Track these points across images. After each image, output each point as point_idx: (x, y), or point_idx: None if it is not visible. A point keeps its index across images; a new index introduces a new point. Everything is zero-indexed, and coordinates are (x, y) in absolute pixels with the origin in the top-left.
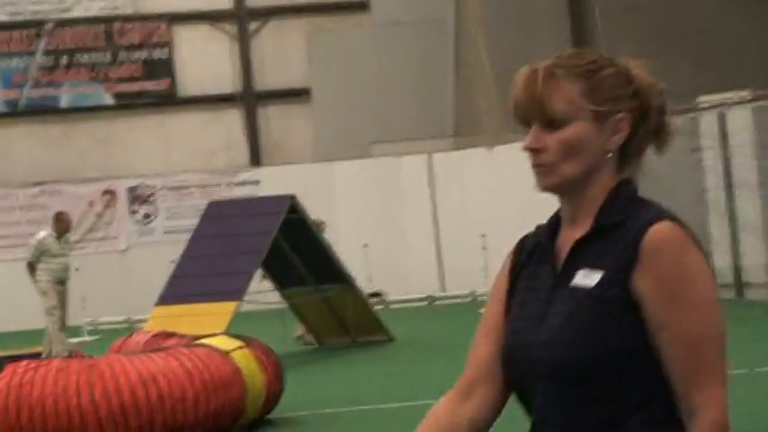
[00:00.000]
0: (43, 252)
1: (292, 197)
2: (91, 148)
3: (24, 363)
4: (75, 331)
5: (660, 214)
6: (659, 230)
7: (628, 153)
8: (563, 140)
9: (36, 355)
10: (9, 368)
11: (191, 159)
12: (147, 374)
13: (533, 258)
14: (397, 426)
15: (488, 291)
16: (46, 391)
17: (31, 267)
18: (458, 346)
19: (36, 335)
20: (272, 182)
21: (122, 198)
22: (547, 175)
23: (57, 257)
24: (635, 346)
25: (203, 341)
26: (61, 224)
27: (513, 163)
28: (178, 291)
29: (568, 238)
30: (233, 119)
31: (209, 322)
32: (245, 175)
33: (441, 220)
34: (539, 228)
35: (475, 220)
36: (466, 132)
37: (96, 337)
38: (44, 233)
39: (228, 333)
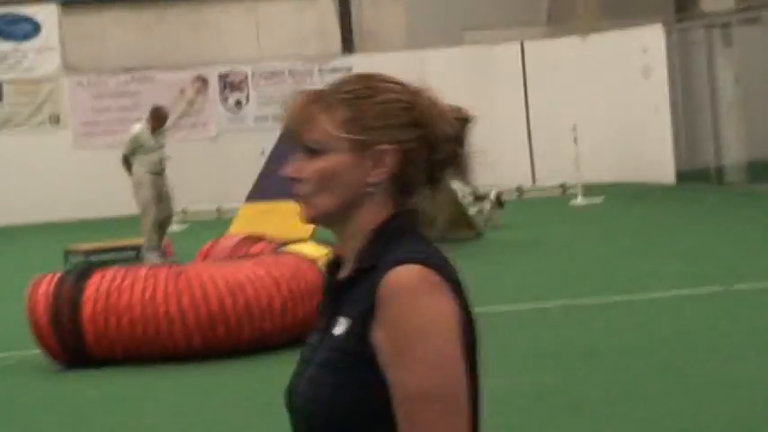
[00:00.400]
0: (138, 147)
1: None
2: (182, 35)
3: (113, 270)
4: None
5: (407, 257)
6: (395, 276)
7: (408, 184)
8: (318, 171)
9: (131, 248)
10: (98, 275)
11: (282, 46)
12: (234, 283)
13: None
14: (486, 331)
15: (578, 183)
16: (134, 299)
17: (126, 161)
18: (547, 242)
19: (127, 222)
20: (364, 69)
21: (213, 85)
22: (305, 207)
23: (152, 152)
24: (375, 404)
25: (291, 248)
26: (158, 119)
27: (607, 52)
28: (266, 188)
29: (340, 278)
30: (325, 5)
31: (297, 221)
32: (336, 63)
33: (532, 111)
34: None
35: (567, 110)
36: (559, 20)
37: (185, 226)
38: (139, 126)
39: (316, 238)
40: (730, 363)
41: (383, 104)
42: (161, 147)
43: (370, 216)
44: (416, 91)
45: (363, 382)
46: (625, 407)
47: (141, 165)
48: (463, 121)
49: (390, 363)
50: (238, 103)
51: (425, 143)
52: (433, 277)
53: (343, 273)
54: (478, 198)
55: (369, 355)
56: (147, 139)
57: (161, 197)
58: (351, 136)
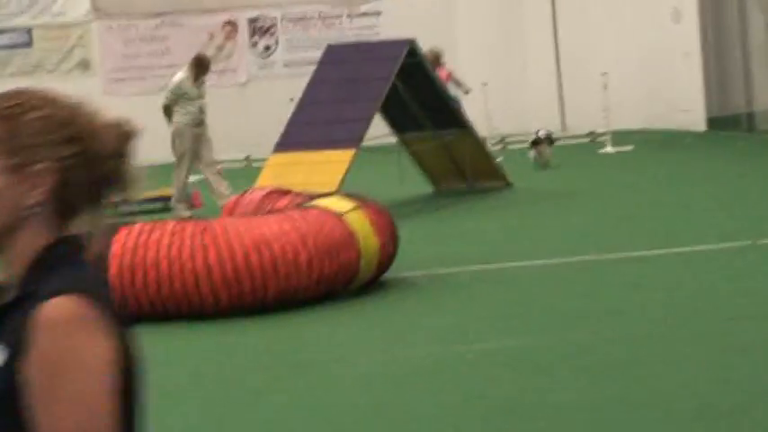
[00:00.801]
0: (181, 95)
1: (411, 41)
2: None
3: (139, 225)
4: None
5: (65, 287)
6: (49, 308)
7: (70, 204)
8: None
9: (161, 198)
10: (123, 230)
11: None
12: (260, 238)
13: None
14: (514, 287)
15: (609, 131)
16: (160, 254)
17: (168, 110)
18: (576, 193)
19: (158, 171)
20: (393, 14)
21: (243, 29)
22: None
23: (194, 100)
24: None
25: (317, 202)
26: (201, 67)
27: (641, 0)
28: (295, 138)
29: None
30: None
31: (326, 170)
32: (366, 7)
33: (562, 57)
34: None
35: (597, 57)
36: None
37: (213, 176)
38: (181, 75)
39: (343, 192)
40: (754, 323)
41: (37, 121)
42: (202, 96)
43: (31, 240)
44: (74, 105)
45: (11, 421)
46: (648, 369)
47: (183, 115)
48: (125, 135)
49: (37, 402)
50: (267, 49)
51: (85, 160)
52: (89, 311)
53: (7, 298)
54: (534, 143)
55: (18, 391)
56: (190, 87)
57: (200, 148)
58: (3, 157)
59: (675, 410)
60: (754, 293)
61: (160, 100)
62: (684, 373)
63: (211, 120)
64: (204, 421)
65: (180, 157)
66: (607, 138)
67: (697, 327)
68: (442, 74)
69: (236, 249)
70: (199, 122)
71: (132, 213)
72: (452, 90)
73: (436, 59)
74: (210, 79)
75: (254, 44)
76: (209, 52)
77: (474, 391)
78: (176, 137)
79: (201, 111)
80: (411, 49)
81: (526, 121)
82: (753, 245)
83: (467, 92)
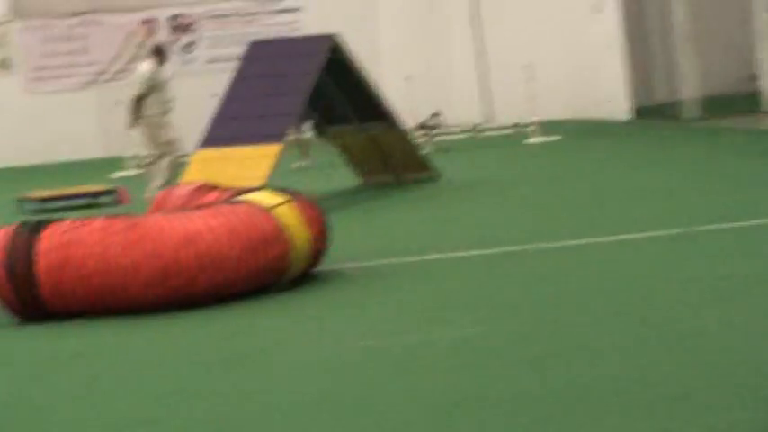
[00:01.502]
0: (154, 85)
1: (332, 36)
2: None
3: (68, 221)
4: (118, 164)
5: None
6: None
7: None
8: None
9: (86, 195)
10: (53, 227)
11: None
12: (188, 234)
13: None
14: (445, 279)
15: (534, 121)
16: (89, 250)
17: (139, 101)
18: (504, 183)
19: (81, 167)
20: (314, 9)
21: (163, 27)
22: None
23: (165, 89)
24: None
25: (245, 197)
26: (163, 56)
27: None
28: (220, 133)
29: None
30: None
31: (252, 166)
32: (286, 2)
33: (487, 49)
34: None
35: (520, 48)
36: None
37: (140, 171)
38: (149, 65)
39: (271, 186)
40: (692, 309)
41: None
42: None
43: None
44: None
45: None
46: (591, 356)
47: (155, 106)
48: None
49: None
50: (189, 46)
51: None
52: None
53: None
54: (423, 127)
55: None
56: (160, 75)
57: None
58: None
59: (625, 396)
60: (691, 281)
61: (131, 92)
62: (626, 361)
63: None
64: (138, 415)
65: (166, 148)
66: (534, 128)
67: (634, 315)
68: None
69: (164, 245)
70: (168, 111)
71: (61, 209)
72: None
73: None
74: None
75: (175, 42)
76: (129, 51)
77: (412, 381)
78: (154, 128)
79: (172, 99)
80: (335, 44)
81: (452, 114)
82: (686, 233)
83: None
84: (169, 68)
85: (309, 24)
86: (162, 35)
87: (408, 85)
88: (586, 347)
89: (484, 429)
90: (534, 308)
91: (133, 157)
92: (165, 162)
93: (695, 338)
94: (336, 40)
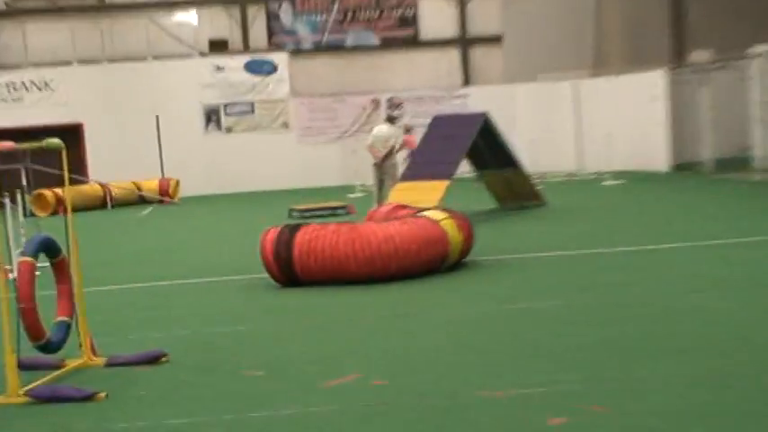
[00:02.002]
0: (389, 138)
1: (485, 114)
2: (363, 72)
3: (314, 225)
4: (351, 189)
5: None
6: None
7: None
8: None
9: (330, 208)
10: (305, 228)
11: (426, 81)
12: (388, 234)
13: None
14: (552, 269)
15: (608, 170)
16: (325, 244)
17: (391, 150)
18: (588, 210)
19: (329, 191)
20: (475, 96)
21: (383, 104)
22: None
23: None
24: None
25: (423, 213)
26: (394, 121)
27: (630, 86)
28: (412, 172)
29: None
30: (453, 55)
31: (429, 194)
32: (459, 92)
33: (582, 121)
34: None
35: (604, 123)
36: (599, 65)
37: (364, 194)
38: (387, 127)
39: (439, 207)
40: (699, 295)
41: None
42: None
43: None
44: None
45: None
46: (637, 319)
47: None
48: None
49: None
50: (389, 119)
51: None
52: None
53: None
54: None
55: None
56: (392, 132)
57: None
58: None
59: (653, 346)
60: (696, 277)
61: (366, 143)
62: (661, 319)
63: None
64: (346, 347)
65: (395, 181)
66: (608, 175)
67: (647, 299)
68: (408, 139)
69: (372, 242)
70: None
71: (312, 217)
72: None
73: (407, 130)
74: (362, 135)
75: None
76: (362, 119)
77: (524, 333)
78: (393, 169)
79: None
80: (486, 118)
81: (557, 161)
82: (697, 245)
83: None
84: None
85: (472, 105)
86: (382, 109)
87: (531, 145)
88: (634, 315)
89: (560, 364)
90: (599, 289)
91: (360, 185)
92: (387, 188)
93: (695, 312)
94: (487, 116)
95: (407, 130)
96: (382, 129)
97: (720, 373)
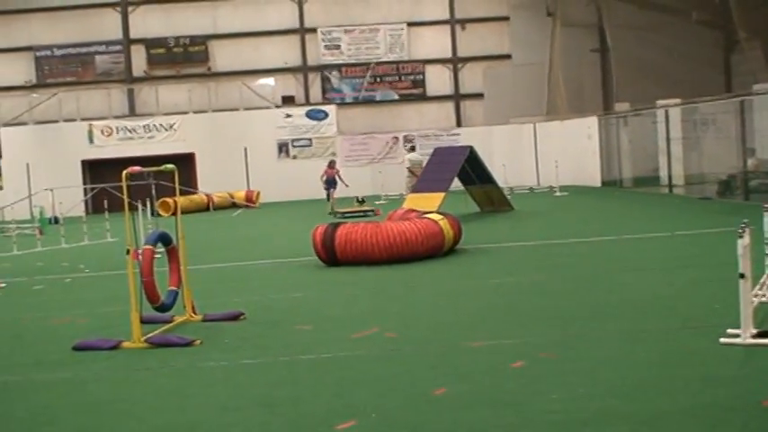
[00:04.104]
0: (414, 162)
1: (470, 147)
2: (387, 118)
3: (350, 224)
4: (378, 198)
5: None
6: None
7: None
8: None
9: (364, 211)
10: (343, 226)
11: (430, 123)
12: (401, 230)
13: None
14: (519, 254)
15: (557, 185)
16: (358, 236)
17: (412, 171)
18: (542, 212)
19: (367, 198)
20: (464, 134)
21: (400, 140)
22: None
23: (418, 164)
24: None
25: (427, 215)
26: (415, 149)
27: (573, 128)
28: (420, 187)
29: None
30: (449, 105)
31: (431, 203)
32: (453, 131)
33: (539, 153)
34: None
35: (553, 153)
36: (550, 112)
37: (386, 201)
38: (412, 153)
39: (438, 211)
40: (623, 274)
41: None
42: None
43: None
44: None
45: None
46: (597, 289)
47: (414, 173)
48: None
49: None
50: (412, 149)
51: None
52: None
53: None
54: (360, 201)
55: None
56: (414, 157)
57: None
58: None
59: (640, 312)
60: (624, 260)
61: (405, 166)
62: (631, 288)
63: (387, 180)
64: (373, 308)
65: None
66: (557, 188)
67: (591, 279)
68: (330, 172)
69: (390, 235)
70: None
71: (350, 218)
72: (339, 181)
73: (332, 164)
74: (386, 161)
75: (405, 146)
76: (386, 151)
77: (497, 301)
78: (411, 179)
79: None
80: (471, 149)
81: (524, 181)
82: (618, 239)
83: (347, 185)
84: (413, 155)
85: (462, 140)
86: (401, 143)
87: (503, 168)
88: (576, 288)
89: (522, 323)
90: (551, 269)
91: (384, 195)
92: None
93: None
94: (472, 148)
95: (331, 163)
96: (416, 155)
97: (636, 329)
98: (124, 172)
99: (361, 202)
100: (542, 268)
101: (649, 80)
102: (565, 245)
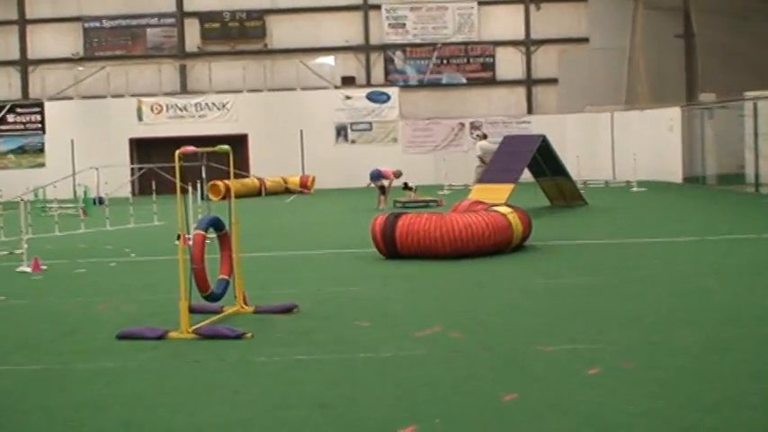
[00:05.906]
0: (484, 150)
1: (543, 136)
2: (453, 103)
3: (412, 214)
4: (441, 188)
5: None
6: None
7: None
8: None
9: (425, 201)
10: (405, 216)
11: (499, 110)
12: (467, 223)
13: None
14: (593, 253)
15: (635, 180)
16: (420, 227)
17: (482, 159)
18: (619, 208)
19: (424, 188)
20: (536, 123)
21: (467, 126)
22: None
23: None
24: None
25: (495, 208)
26: (487, 138)
27: (653, 118)
28: (488, 177)
29: None
30: (520, 91)
31: (499, 194)
32: (524, 119)
33: (616, 145)
34: None
35: (631, 145)
36: (630, 102)
37: (450, 192)
38: (484, 142)
39: (507, 203)
40: (705, 278)
41: None
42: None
43: None
44: None
45: None
46: (647, 291)
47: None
48: None
49: None
50: (484, 136)
51: None
52: None
53: None
54: (407, 187)
55: None
56: (486, 146)
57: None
58: None
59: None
60: (700, 263)
61: (475, 154)
62: (678, 286)
63: (451, 168)
64: (434, 305)
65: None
66: (634, 184)
67: (664, 280)
68: (389, 174)
69: (456, 228)
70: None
71: (411, 208)
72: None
73: (398, 173)
74: (451, 149)
75: (471, 133)
76: (451, 137)
77: (570, 302)
78: (481, 168)
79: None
80: (544, 138)
81: (599, 174)
82: (701, 239)
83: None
84: (485, 143)
85: (533, 129)
86: (467, 130)
87: (577, 159)
88: (652, 292)
89: (596, 328)
90: (634, 270)
91: (448, 185)
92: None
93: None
94: (545, 137)
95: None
96: (488, 144)
97: (719, 339)
98: (177, 152)
99: (409, 188)
100: (618, 269)
101: (737, 70)
102: (642, 244)
